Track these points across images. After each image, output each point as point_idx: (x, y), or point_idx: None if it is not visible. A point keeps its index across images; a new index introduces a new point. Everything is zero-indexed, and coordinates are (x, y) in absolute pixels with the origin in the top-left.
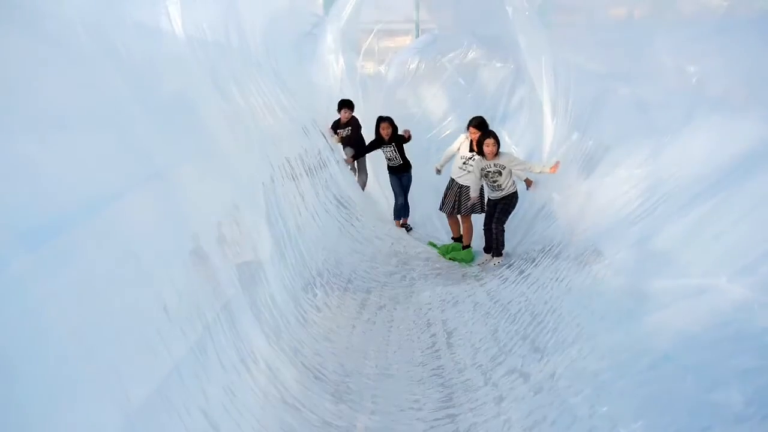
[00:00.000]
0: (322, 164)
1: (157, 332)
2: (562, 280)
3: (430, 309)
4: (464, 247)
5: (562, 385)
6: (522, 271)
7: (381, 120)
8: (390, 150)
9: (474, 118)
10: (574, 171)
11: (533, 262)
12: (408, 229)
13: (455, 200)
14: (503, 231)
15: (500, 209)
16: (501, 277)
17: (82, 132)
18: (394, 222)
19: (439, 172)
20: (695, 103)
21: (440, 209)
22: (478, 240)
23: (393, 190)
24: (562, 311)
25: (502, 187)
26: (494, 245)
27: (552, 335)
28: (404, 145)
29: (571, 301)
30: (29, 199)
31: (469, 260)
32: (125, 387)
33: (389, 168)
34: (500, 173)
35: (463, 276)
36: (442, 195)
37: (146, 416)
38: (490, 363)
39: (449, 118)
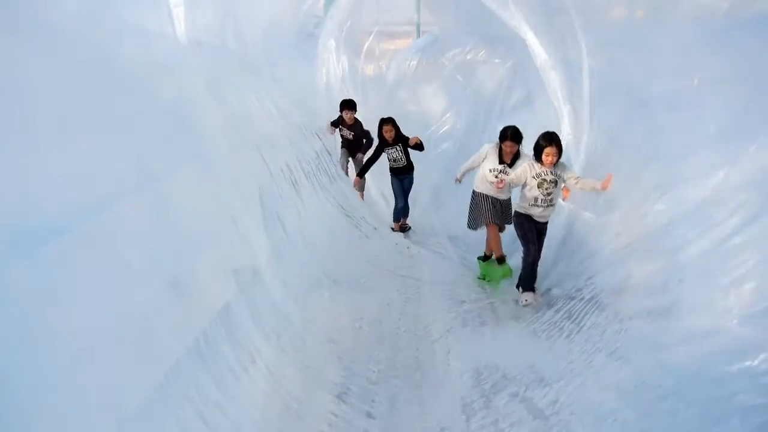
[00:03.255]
0: (320, 167)
1: (154, 335)
2: (575, 319)
3: (434, 321)
4: (500, 260)
5: (563, 413)
6: (536, 310)
7: (384, 122)
8: (395, 151)
9: (508, 128)
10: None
11: (550, 304)
12: (406, 229)
13: (491, 211)
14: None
15: (542, 233)
16: (510, 311)
17: (76, 137)
18: (393, 224)
19: (459, 181)
20: (700, 124)
21: (470, 227)
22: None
23: (394, 192)
24: (572, 345)
25: (553, 202)
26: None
27: (559, 366)
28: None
29: (582, 336)
30: (23, 204)
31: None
32: (121, 388)
33: (392, 169)
34: (556, 183)
35: (470, 286)
36: (468, 215)
37: (143, 419)
38: (492, 388)
39: (447, 115)
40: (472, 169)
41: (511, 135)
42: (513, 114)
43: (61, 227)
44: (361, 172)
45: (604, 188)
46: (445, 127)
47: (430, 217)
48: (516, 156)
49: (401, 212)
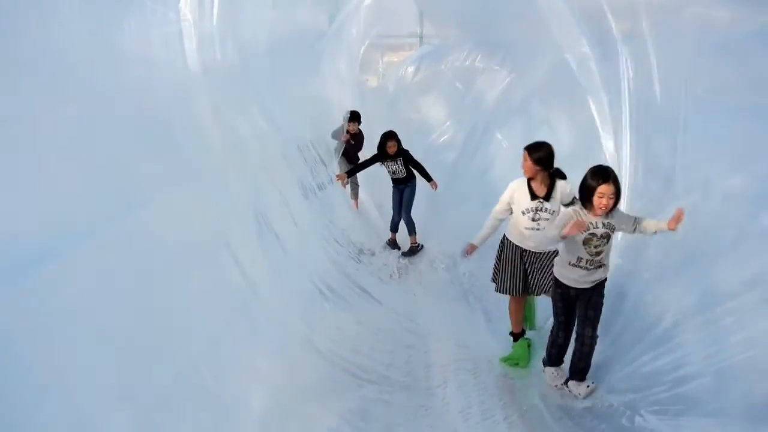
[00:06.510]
0: (317, 182)
1: (150, 359)
2: (591, 411)
3: (434, 339)
4: (515, 338)
5: None
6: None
7: (387, 138)
8: (394, 164)
9: (538, 145)
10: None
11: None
12: (417, 249)
13: (522, 273)
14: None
15: (596, 302)
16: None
17: (69, 159)
18: (390, 234)
19: (469, 254)
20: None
21: (498, 290)
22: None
23: (392, 203)
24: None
25: (604, 261)
26: (584, 362)
27: None
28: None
29: (586, 420)
30: (14, 227)
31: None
32: (116, 410)
33: (392, 180)
34: (609, 238)
35: (466, 299)
36: (494, 266)
37: None
38: None
39: (447, 123)
40: (496, 227)
41: (545, 153)
42: (512, 122)
43: (50, 252)
44: (350, 172)
45: (673, 228)
46: (446, 136)
47: (428, 226)
48: (551, 184)
49: (397, 224)
